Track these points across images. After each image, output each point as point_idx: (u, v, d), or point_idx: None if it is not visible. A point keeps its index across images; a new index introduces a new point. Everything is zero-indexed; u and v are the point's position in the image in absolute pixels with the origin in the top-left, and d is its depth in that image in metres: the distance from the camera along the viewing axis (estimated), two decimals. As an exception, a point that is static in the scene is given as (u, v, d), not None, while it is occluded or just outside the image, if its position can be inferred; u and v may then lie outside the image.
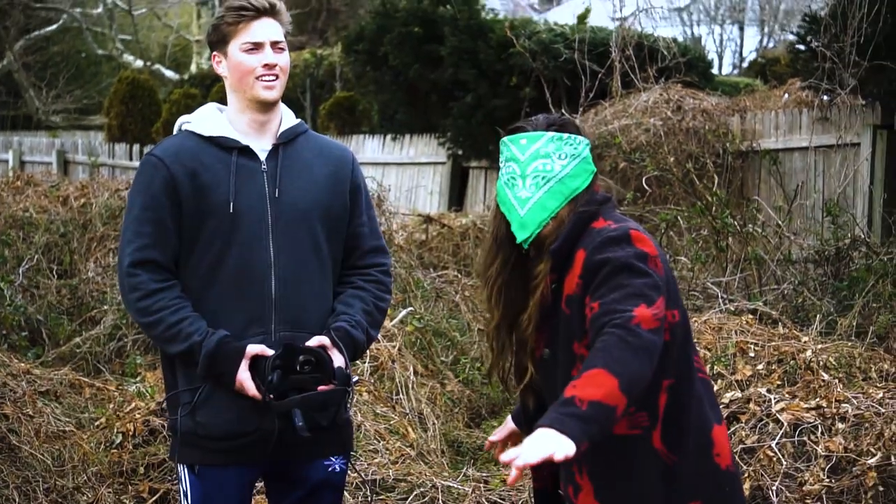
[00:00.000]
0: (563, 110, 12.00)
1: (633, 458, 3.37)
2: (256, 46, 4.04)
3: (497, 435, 3.97)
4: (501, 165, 3.59)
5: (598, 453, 3.36)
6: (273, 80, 4.05)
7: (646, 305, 3.22)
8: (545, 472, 3.76)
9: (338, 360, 3.99)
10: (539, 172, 3.48)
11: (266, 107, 4.09)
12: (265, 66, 4.03)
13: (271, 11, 4.08)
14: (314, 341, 3.98)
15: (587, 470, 3.41)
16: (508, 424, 3.97)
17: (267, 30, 4.05)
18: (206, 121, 4.12)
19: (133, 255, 3.98)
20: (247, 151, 4.07)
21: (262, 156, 4.09)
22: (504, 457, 3.00)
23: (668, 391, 3.39)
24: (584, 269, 3.36)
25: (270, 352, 3.92)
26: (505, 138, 3.57)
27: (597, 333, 3.22)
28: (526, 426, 3.78)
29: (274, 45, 4.06)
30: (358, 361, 6.90)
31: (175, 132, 4.20)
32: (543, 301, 3.48)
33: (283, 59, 4.08)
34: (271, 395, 3.88)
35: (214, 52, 4.14)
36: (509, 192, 3.52)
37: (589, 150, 3.56)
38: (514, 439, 3.98)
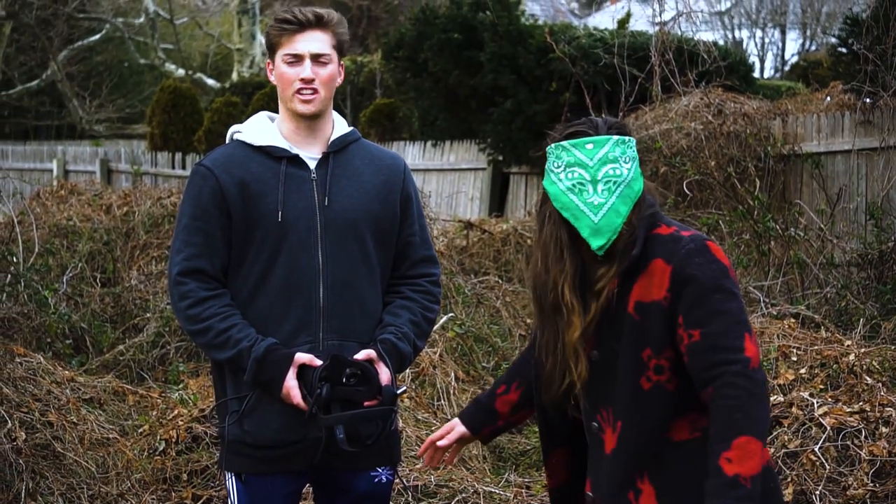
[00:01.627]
0: (603, 115, 11.98)
1: (695, 460, 3.38)
2: (296, 59, 4.05)
3: (445, 440, 3.96)
4: (559, 171, 3.51)
5: (661, 460, 3.42)
6: (311, 95, 4.05)
7: (749, 335, 3.31)
8: (562, 469, 3.77)
9: (384, 374, 4.00)
10: (610, 178, 3.44)
11: (305, 119, 4.10)
12: (302, 80, 4.04)
13: (317, 24, 4.08)
14: (361, 354, 3.99)
15: (648, 474, 3.42)
16: (458, 428, 3.96)
17: (309, 43, 4.05)
18: (256, 130, 4.14)
19: (182, 265, 4.01)
20: (296, 160, 4.08)
21: (312, 164, 4.10)
22: None
23: None
24: (672, 283, 3.37)
25: (318, 362, 3.93)
26: (565, 143, 3.50)
27: (706, 371, 3.31)
28: (550, 440, 3.79)
29: (316, 58, 4.05)
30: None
31: (227, 141, 4.22)
32: (608, 304, 3.47)
33: (325, 73, 4.07)
34: (316, 408, 3.89)
35: (268, 60, 4.18)
36: (576, 198, 3.46)
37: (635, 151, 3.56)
38: (461, 446, 3.99)
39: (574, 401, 3.64)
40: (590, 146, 3.47)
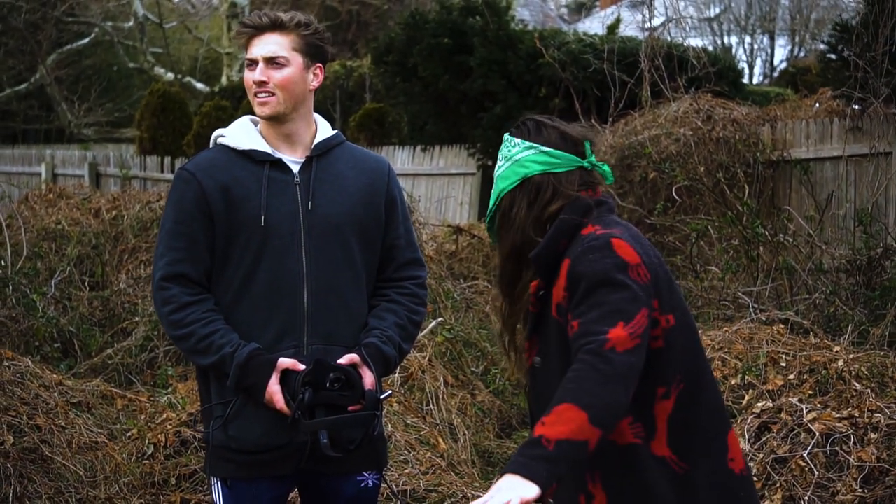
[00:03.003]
0: (592, 120, 12.01)
1: (638, 467, 3.36)
2: (252, 62, 4.08)
3: None
4: None
5: (608, 462, 3.36)
6: (266, 97, 4.05)
7: (623, 323, 3.20)
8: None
9: (368, 378, 3.99)
10: (497, 174, 3.61)
11: (272, 120, 4.10)
12: (256, 83, 4.05)
13: (273, 27, 4.07)
14: (345, 359, 3.99)
15: (600, 478, 3.40)
16: None
17: (263, 46, 4.05)
18: (239, 134, 4.13)
19: (165, 269, 4.00)
20: (279, 164, 4.07)
21: (295, 168, 4.09)
22: None
23: (673, 398, 3.37)
24: (567, 281, 3.36)
25: (301, 366, 3.92)
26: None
27: (573, 357, 3.23)
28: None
29: (269, 61, 4.04)
30: (388, 372, 6.90)
31: (210, 146, 4.21)
32: (530, 308, 3.49)
33: (280, 76, 4.05)
34: (299, 413, 3.88)
35: None
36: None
37: (531, 152, 3.54)
38: None
39: None
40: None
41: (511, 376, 3.66)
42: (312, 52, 4.11)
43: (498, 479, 3.10)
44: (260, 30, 4.06)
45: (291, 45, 4.07)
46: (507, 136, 3.59)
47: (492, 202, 3.59)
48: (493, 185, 3.60)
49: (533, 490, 3.01)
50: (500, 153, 3.60)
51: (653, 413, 3.36)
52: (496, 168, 3.61)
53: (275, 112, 4.07)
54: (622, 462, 3.36)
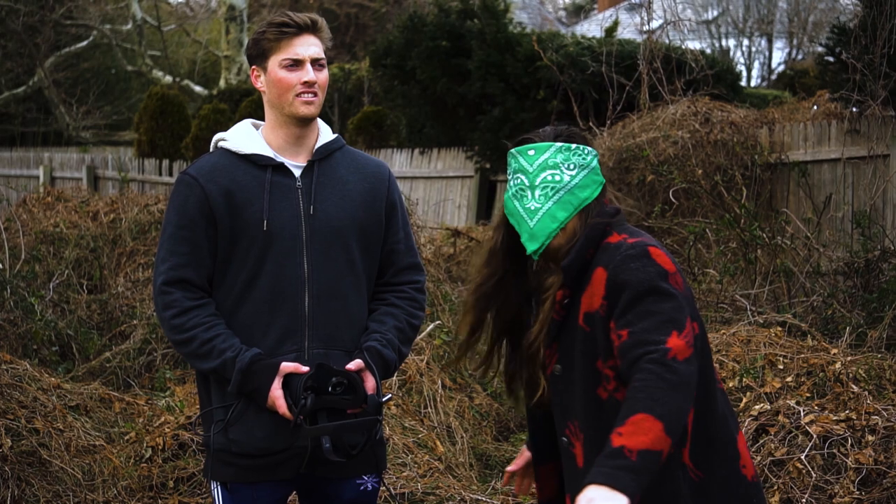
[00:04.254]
0: (590, 123, 12.01)
1: (670, 475, 3.34)
2: (297, 64, 4.04)
3: (514, 465, 3.91)
4: (510, 178, 3.56)
5: None
6: (312, 97, 4.05)
7: (677, 333, 3.20)
8: (552, 482, 3.75)
9: (370, 382, 4.00)
10: (548, 183, 3.45)
11: (304, 122, 4.09)
12: (304, 83, 4.03)
13: (312, 28, 4.08)
14: (353, 365, 3.98)
15: None
16: (524, 454, 3.92)
17: (308, 47, 4.05)
18: (241, 138, 4.12)
19: (167, 274, 4.00)
20: (281, 168, 4.07)
21: (297, 172, 4.09)
22: None
23: (694, 405, 3.37)
24: (607, 290, 3.33)
25: (304, 368, 3.92)
26: (513, 150, 3.54)
27: (630, 366, 3.21)
28: (531, 440, 3.78)
29: (314, 62, 4.05)
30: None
31: (211, 149, 4.21)
32: (554, 316, 3.46)
33: (323, 77, 4.08)
34: (302, 417, 3.88)
35: (253, 66, 4.14)
36: (518, 203, 3.50)
37: (597, 160, 3.53)
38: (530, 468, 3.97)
39: None
40: (531, 152, 3.49)
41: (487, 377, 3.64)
42: (327, 56, 4.16)
43: (581, 490, 3.06)
44: (303, 30, 4.06)
45: (324, 46, 4.11)
46: (566, 145, 3.49)
47: (570, 213, 3.46)
48: (560, 193, 3.46)
49: (623, 501, 2.99)
50: (559, 163, 3.47)
51: (686, 420, 3.36)
52: (554, 179, 3.47)
53: (317, 112, 4.09)
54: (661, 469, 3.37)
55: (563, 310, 3.45)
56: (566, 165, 3.47)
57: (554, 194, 3.45)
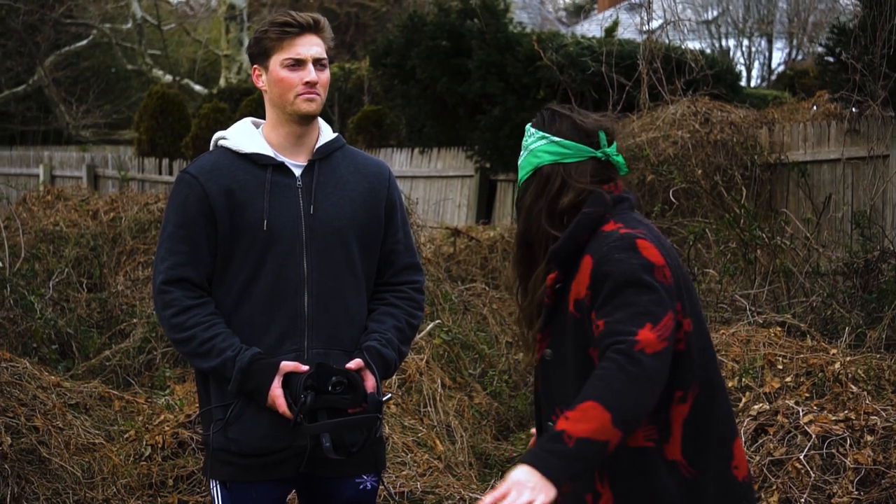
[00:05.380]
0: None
1: (648, 470, 3.36)
2: (299, 63, 4.05)
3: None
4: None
5: (618, 463, 3.36)
6: (315, 96, 4.06)
7: (651, 325, 3.20)
8: None
9: (370, 381, 4.00)
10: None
11: (305, 120, 4.10)
12: (306, 83, 4.04)
13: (315, 28, 4.08)
14: (352, 364, 3.99)
15: (608, 478, 3.40)
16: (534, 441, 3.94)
17: (310, 47, 4.05)
18: (241, 137, 4.13)
19: (167, 273, 4.00)
20: (281, 168, 4.08)
21: (297, 172, 4.09)
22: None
23: (689, 402, 3.37)
24: (591, 279, 3.35)
25: (304, 368, 3.93)
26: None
27: (601, 356, 3.22)
28: (537, 425, 3.79)
29: (316, 62, 4.06)
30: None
31: (211, 148, 4.21)
32: (545, 300, 3.49)
33: (325, 76, 4.09)
34: (302, 416, 3.89)
35: (255, 65, 4.14)
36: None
37: (538, 143, 3.57)
38: None
39: None
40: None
41: (527, 366, 3.66)
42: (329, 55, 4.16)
43: (513, 468, 3.09)
44: (305, 29, 4.07)
45: (325, 46, 4.12)
46: (527, 126, 3.62)
47: (519, 194, 3.63)
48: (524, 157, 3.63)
49: (551, 492, 3.02)
50: (522, 143, 3.64)
51: (669, 416, 3.36)
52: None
53: (319, 110, 4.10)
54: (632, 464, 3.36)
55: (554, 294, 3.48)
56: (527, 139, 3.63)
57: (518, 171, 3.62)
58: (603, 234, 3.41)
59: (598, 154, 3.54)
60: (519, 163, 3.60)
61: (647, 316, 3.22)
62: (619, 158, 3.58)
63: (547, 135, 3.54)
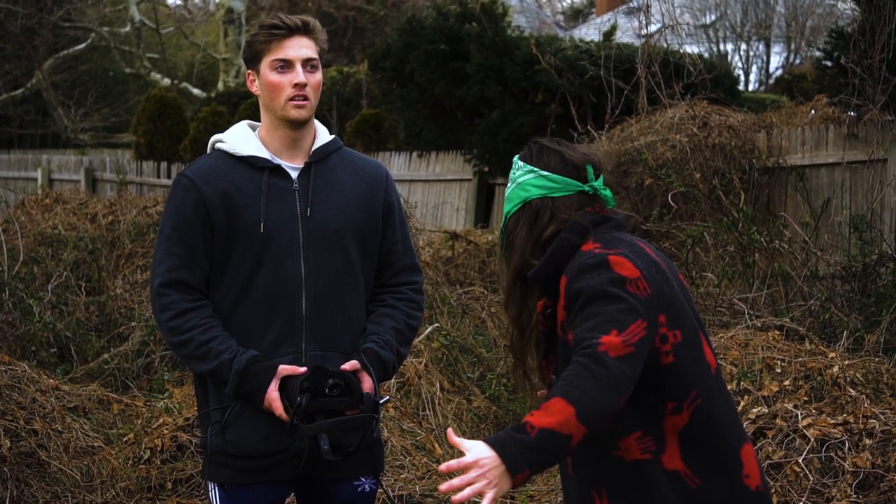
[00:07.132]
0: (588, 127, 12.02)
1: (648, 483, 3.35)
2: (287, 65, 4.04)
3: None
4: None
5: (616, 478, 3.37)
6: (303, 100, 4.05)
7: (617, 332, 3.21)
8: None
9: (367, 383, 4.00)
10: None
11: (297, 125, 4.09)
12: (295, 85, 4.04)
13: (304, 30, 4.08)
14: (348, 366, 3.99)
15: (607, 494, 3.41)
16: None
17: (298, 49, 4.05)
18: (238, 140, 4.13)
19: (164, 276, 4.00)
20: (278, 170, 4.08)
21: (294, 174, 4.09)
22: (444, 487, 3.07)
23: (687, 413, 3.36)
24: (565, 299, 3.38)
25: (302, 369, 3.93)
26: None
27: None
28: None
29: (306, 63, 4.06)
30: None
31: (208, 151, 4.21)
32: (540, 327, 3.53)
33: (315, 79, 4.08)
34: (298, 418, 3.89)
35: (249, 70, 4.15)
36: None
37: (527, 176, 3.58)
38: None
39: None
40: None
41: (530, 406, 3.67)
42: (323, 57, 4.15)
43: (480, 441, 3.10)
44: (294, 31, 4.06)
45: (317, 48, 4.10)
46: (515, 158, 3.63)
47: (502, 224, 3.63)
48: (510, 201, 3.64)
49: (505, 485, 3.04)
50: (510, 175, 3.65)
51: (662, 428, 3.36)
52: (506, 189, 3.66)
53: (310, 115, 4.09)
54: (630, 478, 3.37)
55: (546, 320, 3.51)
56: (513, 176, 3.64)
57: (505, 203, 3.64)
58: (579, 254, 3.43)
59: (586, 188, 3.56)
60: (506, 194, 3.62)
61: (612, 323, 3.24)
62: (607, 192, 3.60)
63: (535, 168, 3.57)
